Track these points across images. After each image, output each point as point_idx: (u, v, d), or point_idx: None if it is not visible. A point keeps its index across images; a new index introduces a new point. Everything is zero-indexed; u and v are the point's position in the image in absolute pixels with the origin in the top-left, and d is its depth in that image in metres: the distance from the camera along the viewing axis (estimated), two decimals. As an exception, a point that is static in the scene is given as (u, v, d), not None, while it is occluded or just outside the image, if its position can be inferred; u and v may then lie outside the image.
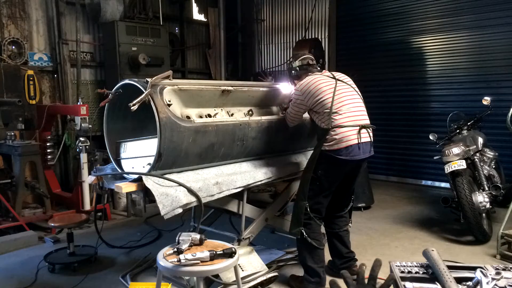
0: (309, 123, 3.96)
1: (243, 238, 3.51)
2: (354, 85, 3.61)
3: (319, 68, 3.74)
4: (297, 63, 3.73)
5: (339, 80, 3.49)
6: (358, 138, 3.26)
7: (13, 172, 5.13)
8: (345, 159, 3.25)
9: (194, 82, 3.39)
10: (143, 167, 3.20)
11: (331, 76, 3.55)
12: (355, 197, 3.91)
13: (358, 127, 3.29)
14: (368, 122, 3.45)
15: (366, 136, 3.35)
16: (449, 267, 1.76)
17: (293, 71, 3.76)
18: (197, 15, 8.87)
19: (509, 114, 4.29)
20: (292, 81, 3.84)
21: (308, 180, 3.37)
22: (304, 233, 3.36)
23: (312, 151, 3.62)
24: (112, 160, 3.34)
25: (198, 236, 2.55)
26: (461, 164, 4.44)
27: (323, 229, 3.67)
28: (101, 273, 3.92)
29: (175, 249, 2.43)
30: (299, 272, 3.73)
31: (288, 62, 4.04)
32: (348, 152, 3.25)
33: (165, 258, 2.40)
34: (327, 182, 3.38)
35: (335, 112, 3.29)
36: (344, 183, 3.56)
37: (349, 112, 3.33)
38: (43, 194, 5.23)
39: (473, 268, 1.73)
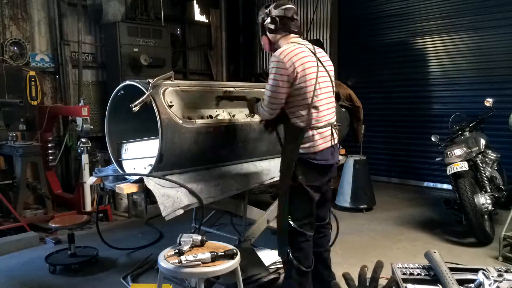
0: None
1: (244, 240, 3.51)
2: (331, 67, 2.90)
3: (300, 31, 2.87)
4: (276, 12, 2.73)
5: (319, 60, 2.76)
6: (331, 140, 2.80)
7: (14, 173, 5.14)
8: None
9: (196, 83, 3.39)
10: (145, 168, 3.20)
11: (312, 50, 2.75)
12: (356, 199, 3.66)
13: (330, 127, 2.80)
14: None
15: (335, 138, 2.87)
16: (451, 269, 1.75)
17: (270, 25, 2.75)
18: (199, 16, 8.87)
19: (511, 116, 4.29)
20: (268, 43, 2.87)
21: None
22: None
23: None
24: (113, 161, 3.34)
25: (199, 238, 2.55)
26: (463, 166, 4.43)
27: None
28: (102, 274, 3.92)
29: (176, 250, 2.43)
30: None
31: (261, 10, 2.89)
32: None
33: (166, 259, 2.40)
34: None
35: (315, 107, 2.70)
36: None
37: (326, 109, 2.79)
38: (44, 195, 5.24)
39: (475, 270, 1.72)
